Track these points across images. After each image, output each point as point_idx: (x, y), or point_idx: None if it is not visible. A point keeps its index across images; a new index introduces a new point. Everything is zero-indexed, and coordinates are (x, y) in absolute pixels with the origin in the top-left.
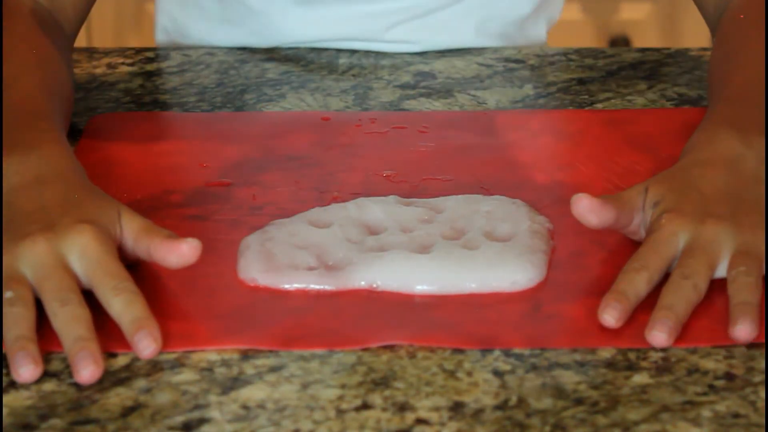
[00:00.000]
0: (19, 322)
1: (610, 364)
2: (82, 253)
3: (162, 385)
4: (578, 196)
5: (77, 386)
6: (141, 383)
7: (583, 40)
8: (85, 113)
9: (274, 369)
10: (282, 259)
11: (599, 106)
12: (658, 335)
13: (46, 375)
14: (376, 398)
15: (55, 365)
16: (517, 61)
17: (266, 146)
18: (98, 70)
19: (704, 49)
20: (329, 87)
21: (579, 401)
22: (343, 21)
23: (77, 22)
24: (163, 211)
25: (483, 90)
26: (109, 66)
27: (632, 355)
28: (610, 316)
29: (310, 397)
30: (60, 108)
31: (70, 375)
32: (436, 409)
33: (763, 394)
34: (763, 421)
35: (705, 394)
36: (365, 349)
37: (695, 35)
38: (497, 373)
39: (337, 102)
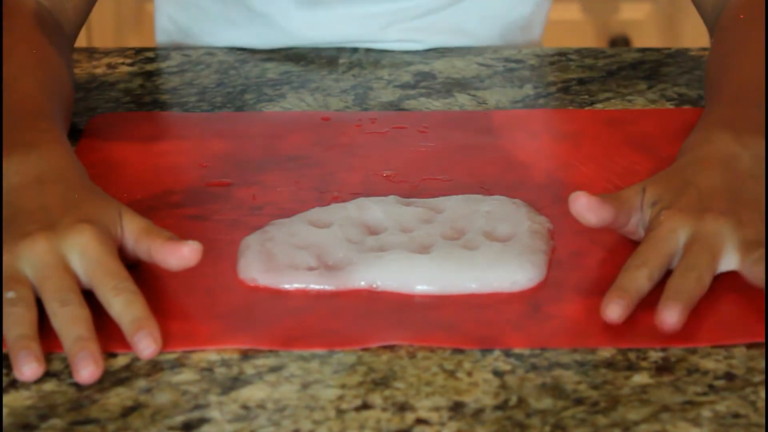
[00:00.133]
0: (21, 321)
1: (610, 364)
2: (83, 252)
3: (162, 385)
4: (576, 194)
5: (77, 386)
6: (141, 383)
7: (583, 40)
8: (85, 113)
9: (274, 369)
10: (282, 259)
11: (599, 106)
12: (670, 314)
13: (46, 375)
14: (376, 398)
15: (55, 365)
16: (517, 61)
17: (266, 146)
18: (98, 70)
19: (704, 49)
20: (329, 87)
21: (579, 401)
22: (344, 22)
23: (78, 22)
24: (163, 211)
25: (483, 90)
26: (109, 66)
27: (632, 355)
28: (613, 312)
29: (310, 397)
30: (60, 108)
31: (70, 375)
32: (436, 409)
33: (763, 394)
34: (763, 421)
35: (705, 394)
36: (365, 349)
37: (695, 35)
38: (497, 373)
39: (337, 102)
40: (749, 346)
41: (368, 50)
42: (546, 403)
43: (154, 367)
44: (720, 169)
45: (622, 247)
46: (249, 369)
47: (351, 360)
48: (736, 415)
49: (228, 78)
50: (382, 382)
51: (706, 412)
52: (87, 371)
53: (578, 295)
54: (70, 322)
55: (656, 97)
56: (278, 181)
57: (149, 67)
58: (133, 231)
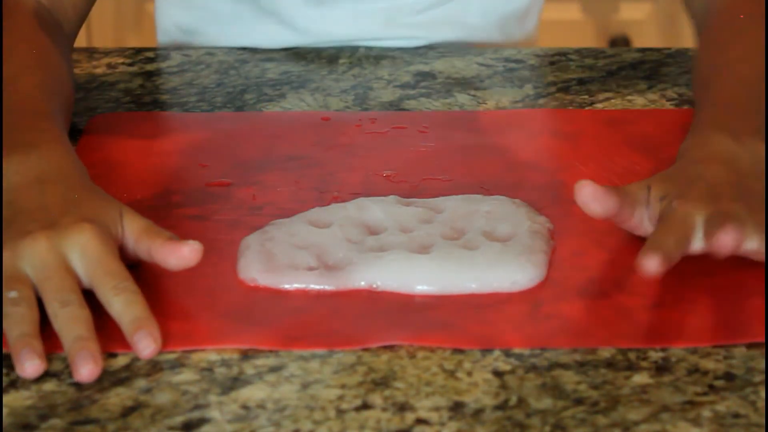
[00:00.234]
0: (23, 320)
1: (610, 364)
2: (83, 252)
3: (162, 385)
4: (582, 183)
5: (77, 386)
6: (141, 383)
7: (583, 40)
8: (85, 113)
9: (274, 369)
10: (282, 259)
11: (599, 106)
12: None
13: (46, 375)
14: (376, 398)
15: (55, 365)
16: (517, 61)
17: (266, 146)
18: (98, 70)
19: None
20: (329, 87)
21: (579, 401)
22: (351, 18)
23: (77, 22)
24: (163, 211)
25: (483, 90)
26: (109, 66)
27: (632, 355)
28: (652, 261)
29: (310, 397)
30: (60, 107)
31: (70, 375)
32: (436, 409)
33: (763, 394)
34: (763, 421)
35: (705, 394)
36: (365, 349)
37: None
38: (497, 373)
39: (337, 102)
40: (749, 346)
41: (368, 50)
42: (546, 403)
43: (154, 367)
44: (723, 167)
45: (623, 248)
46: (249, 369)
47: (351, 360)
48: (736, 415)
49: (228, 78)
50: (382, 382)
51: (706, 412)
52: (86, 369)
53: (578, 295)
54: (71, 323)
55: (656, 97)
56: (278, 181)
57: (149, 67)
58: (133, 231)
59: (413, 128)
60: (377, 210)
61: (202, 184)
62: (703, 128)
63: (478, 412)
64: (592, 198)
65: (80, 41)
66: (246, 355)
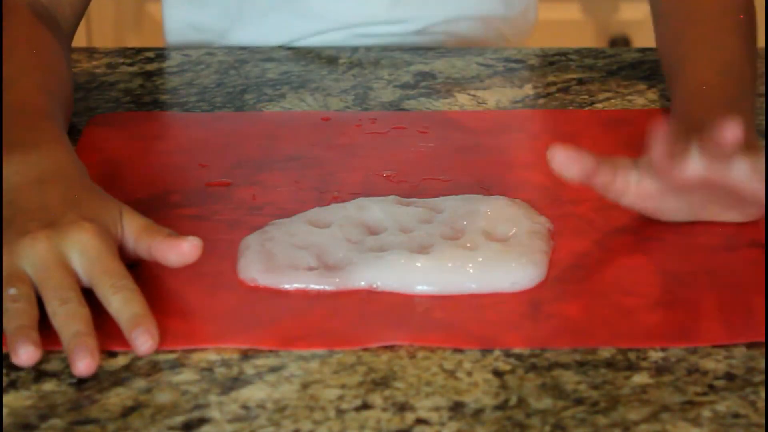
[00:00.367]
0: (21, 315)
1: (610, 364)
2: (83, 250)
3: (162, 385)
4: (553, 150)
5: (77, 386)
6: (141, 383)
7: (583, 40)
8: (85, 113)
9: (274, 369)
10: (282, 259)
11: (599, 106)
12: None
13: (46, 375)
14: (376, 398)
15: (55, 365)
16: (517, 61)
17: (266, 146)
18: (98, 70)
19: None
20: (329, 87)
21: (579, 401)
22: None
23: (75, 19)
24: (163, 211)
25: (483, 90)
26: (109, 66)
27: (632, 355)
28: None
29: (310, 397)
30: (60, 107)
31: (70, 375)
32: (436, 409)
33: (763, 394)
34: (763, 421)
35: (705, 394)
36: (365, 349)
37: None
38: (497, 373)
39: (337, 102)
40: (749, 346)
41: (368, 50)
42: (546, 403)
43: (154, 367)
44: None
45: (623, 248)
46: (249, 369)
47: (351, 360)
48: (736, 415)
49: (228, 78)
50: (382, 382)
51: (706, 412)
52: (83, 363)
53: (578, 295)
54: (70, 319)
55: (656, 97)
56: (278, 181)
57: (149, 67)
58: (133, 229)
59: (413, 128)
60: (377, 210)
61: (202, 184)
62: (677, 124)
63: (478, 412)
64: (567, 160)
65: (80, 41)
66: (246, 355)
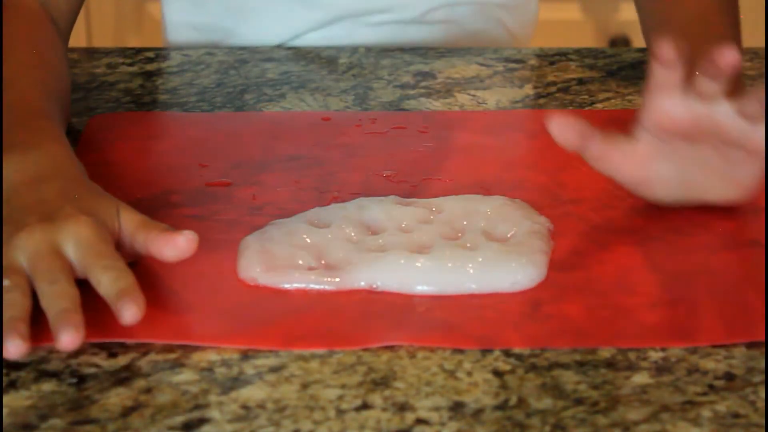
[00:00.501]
0: (13, 306)
1: (610, 364)
2: (78, 241)
3: (162, 385)
4: (552, 116)
5: (77, 386)
6: (141, 383)
7: (583, 40)
8: (85, 113)
9: (274, 369)
10: (282, 259)
11: (599, 106)
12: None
13: (46, 375)
14: (376, 398)
15: (55, 365)
16: (517, 61)
17: (266, 146)
18: (98, 70)
19: None
20: (329, 87)
21: (579, 401)
22: None
23: (71, 16)
24: (163, 211)
25: (483, 90)
26: (109, 66)
27: (632, 355)
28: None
29: (310, 397)
30: (59, 106)
31: (71, 375)
32: (436, 409)
33: (763, 394)
34: (763, 421)
35: (705, 394)
36: (365, 349)
37: None
38: (497, 373)
39: (337, 102)
40: (749, 346)
41: (368, 50)
42: (546, 403)
43: (154, 367)
44: None
45: (623, 248)
46: (249, 369)
47: (351, 360)
48: (736, 415)
49: (228, 78)
50: (382, 382)
51: (706, 412)
52: (68, 336)
53: (578, 295)
54: (57, 298)
55: None
56: (278, 181)
57: (149, 67)
58: (130, 225)
59: (413, 128)
60: (377, 210)
61: (202, 184)
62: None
63: (478, 412)
64: (564, 126)
65: (80, 41)
66: (246, 355)
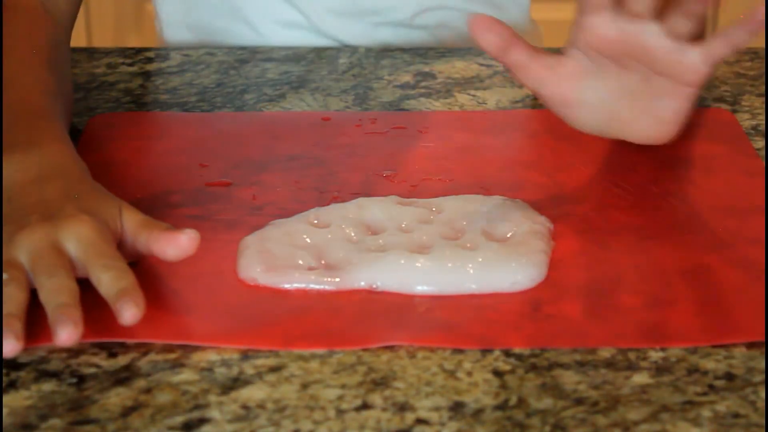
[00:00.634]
0: (9, 300)
1: (610, 364)
2: (79, 239)
3: (162, 385)
4: (474, 16)
5: (77, 386)
6: (141, 383)
7: None
8: (85, 113)
9: (274, 369)
10: (282, 259)
11: None
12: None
13: (46, 375)
14: (376, 398)
15: (55, 365)
16: None
17: (266, 146)
18: (98, 70)
19: None
20: (329, 87)
21: (579, 401)
22: None
23: (71, 15)
24: (163, 211)
25: (483, 90)
26: (109, 66)
27: (632, 355)
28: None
29: (310, 397)
30: (61, 105)
31: (71, 375)
32: (436, 409)
33: (763, 394)
34: (763, 421)
35: (705, 394)
36: (365, 349)
37: None
38: (497, 373)
39: (337, 102)
40: (749, 346)
41: (369, 50)
42: (546, 403)
43: (154, 367)
44: None
45: (623, 248)
46: (249, 369)
47: (351, 360)
48: (736, 415)
49: (228, 78)
50: (382, 382)
51: (706, 412)
52: (65, 332)
53: (578, 295)
54: (55, 292)
55: None
56: (278, 181)
57: (149, 67)
58: (132, 225)
59: (413, 128)
60: (377, 210)
61: (202, 184)
62: None
63: (478, 412)
64: (485, 27)
65: (80, 41)
66: (246, 355)
